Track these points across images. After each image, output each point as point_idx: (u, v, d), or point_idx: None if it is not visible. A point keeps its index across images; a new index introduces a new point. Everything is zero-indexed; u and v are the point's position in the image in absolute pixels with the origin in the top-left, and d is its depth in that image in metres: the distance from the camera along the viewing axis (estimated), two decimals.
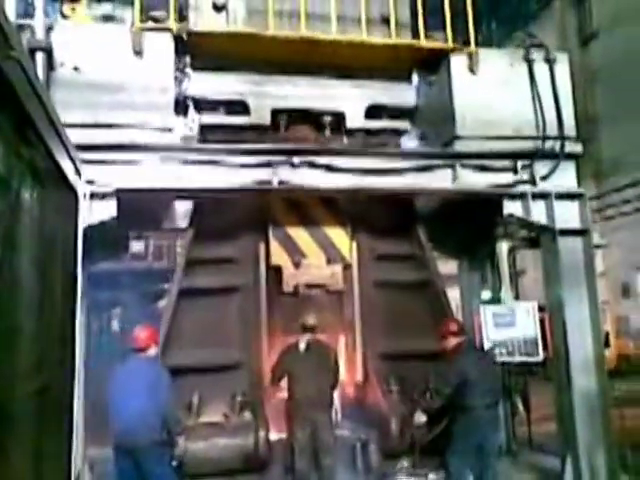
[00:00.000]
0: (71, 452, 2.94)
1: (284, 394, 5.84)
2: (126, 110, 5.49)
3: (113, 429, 4.88)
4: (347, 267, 6.87)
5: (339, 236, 6.79)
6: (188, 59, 6.37)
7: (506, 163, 6.32)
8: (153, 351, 5.34)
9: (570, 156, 6.48)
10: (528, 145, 6.37)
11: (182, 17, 6.24)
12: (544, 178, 6.33)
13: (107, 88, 5.47)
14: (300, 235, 6.67)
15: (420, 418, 5.67)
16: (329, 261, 6.71)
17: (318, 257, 6.68)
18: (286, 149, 5.93)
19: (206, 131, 6.73)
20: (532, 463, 6.85)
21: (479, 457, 5.46)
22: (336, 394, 6.31)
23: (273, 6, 6.04)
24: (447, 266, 9.20)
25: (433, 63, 6.68)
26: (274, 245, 6.60)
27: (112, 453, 4.92)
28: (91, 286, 5.85)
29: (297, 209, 6.68)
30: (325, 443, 5.51)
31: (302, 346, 5.80)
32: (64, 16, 6.15)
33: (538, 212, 6.29)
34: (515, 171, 6.30)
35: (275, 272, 6.68)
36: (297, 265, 6.59)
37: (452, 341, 5.75)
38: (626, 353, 15.46)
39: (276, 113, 6.67)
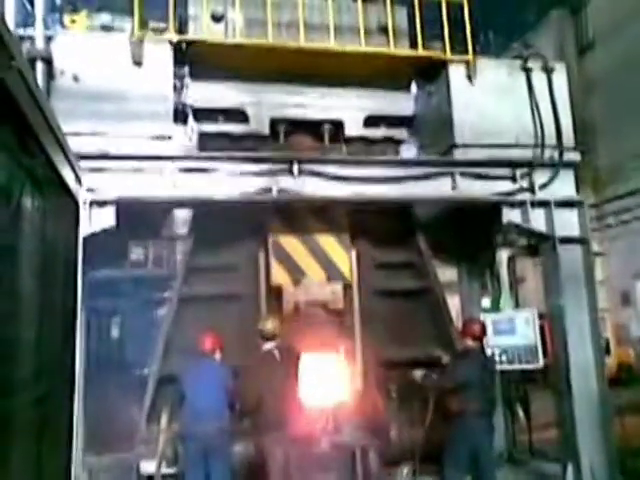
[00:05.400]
0: (70, 459, 2.94)
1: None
2: (126, 119, 5.52)
3: (186, 421, 5.40)
4: (347, 286, 6.83)
5: (339, 254, 6.76)
6: (187, 68, 6.42)
7: (505, 171, 6.34)
8: (218, 355, 5.73)
9: (568, 165, 6.51)
10: (527, 153, 6.40)
11: (181, 27, 6.28)
12: (543, 186, 6.36)
13: (107, 97, 5.50)
14: (301, 254, 6.64)
15: (417, 374, 5.97)
16: (329, 279, 6.68)
17: (318, 275, 6.66)
18: (285, 158, 5.95)
19: (205, 140, 6.75)
20: (533, 470, 6.83)
21: (476, 466, 5.44)
22: (336, 401, 6.30)
23: (271, 16, 6.08)
24: (447, 274, 9.19)
25: (431, 72, 6.72)
26: (274, 264, 6.57)
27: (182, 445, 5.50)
28: (91, 294, 5.85)
29: (296, 217, 6.68)
30: (297, 460, 5.25)
31: (277, 354, 5.46)
32: (64, 26, 6.20)
33: (537, 220, 6.31)
34: (514, 179, 6.33)
35: (276, 290, 6.65)
36: (297, 283, 6.56)
37: (469, 342, 5.75)
38: (627, 361, 15.42)
39: (275, 122, 6.71)
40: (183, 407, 5.47)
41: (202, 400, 5.34)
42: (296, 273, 6.58)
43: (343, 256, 6.76)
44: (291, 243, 6.63)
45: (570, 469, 5.93)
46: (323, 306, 6.61)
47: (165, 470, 5.56)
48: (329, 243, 6.73)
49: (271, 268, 6.57)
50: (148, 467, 5.56)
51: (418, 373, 6.06)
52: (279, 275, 6.57)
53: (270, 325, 5.56)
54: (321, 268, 6.67)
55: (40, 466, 2.49)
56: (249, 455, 5.62)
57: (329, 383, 6.46)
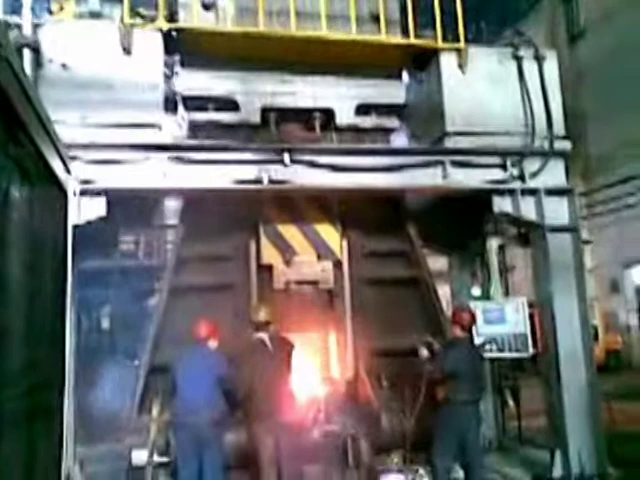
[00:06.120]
0: (61, 450, 2.94)
1: None
2: (115, 107, 5.47)
3: (178, 410, 5.34)
4: (337, 264, 6.88)
5: (329, 233, 6.80)
6: (177, 57, 6.37)
7: (495, 160, 6.35)
8: (212, 343, 5.64)
9: (559, 153, 6.52)
10: (517, 142, 6.42)
11: (171, 15, 6.22)
12: (533, 175, 6.37)
13: (96, 85, 5.45)
14: (291, 232, 6.67)
15: (423, 352, 5.82)
16: (319, 257, 6.73)
17: (309, 254, 6.69)
18: (276, 147, 5.93)
19: (196, 129, 6.72)
20: (522, 457, 6.90)
21: (463, 453, 5.47)
22: (327, 389, 6.32)
23: (262, 4, 6.03)
24: (437, 263, 9.24)
25: (423, 61, 6.71)
26: (265, 243, 6.60)
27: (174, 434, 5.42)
28: (80, 284, 5.83)
29: (288, 206, 6.68)
30: (288, 449, 5.25)
31: (268, 343, 5.46)
32: (52, 14, 6.12)
33: (527, 209, 6.32)
34: (505, 168, 6.33)
35: (266, 269, 6.68)
36: (288, 262, 6.59)
37: (457, 331, 5.77)
38: (614, 348, 15.63)
39: (266, 111, 6.68)
40: (174, 396, 5.44)
41: (193, 388, 5.30)
42: (287, 252, 6.60)
43: (333, 235, 6.80)
44: (282, 223, 6.67)
45: (558, 455, 6.00)
46: (314, 285, 6.64)
47: (157, 459, 5.57)
48: (320, 224, 6.78)
49: (261, 247, 6.59)
50: (140, 457, 5.57)
51: (425, 352, 5.89)
52: (270, 254, 6.59)
53: (262, 314, 5.56)
54: (311, 246, 6.70)
55: (31, 457, 2.49)
56: (240, 444, 5.64)
57: (319, 362, 6.53)
